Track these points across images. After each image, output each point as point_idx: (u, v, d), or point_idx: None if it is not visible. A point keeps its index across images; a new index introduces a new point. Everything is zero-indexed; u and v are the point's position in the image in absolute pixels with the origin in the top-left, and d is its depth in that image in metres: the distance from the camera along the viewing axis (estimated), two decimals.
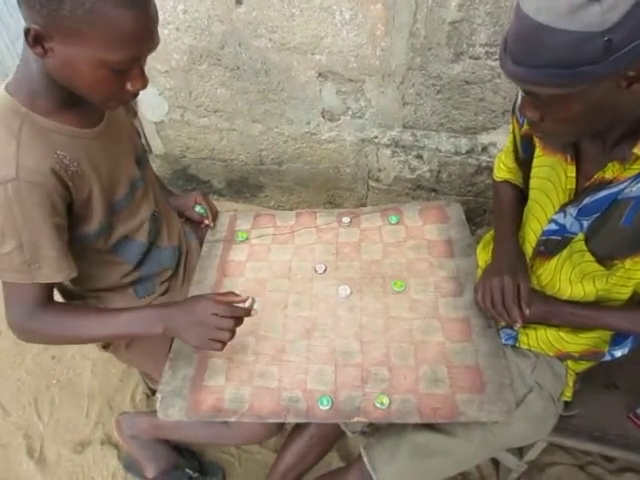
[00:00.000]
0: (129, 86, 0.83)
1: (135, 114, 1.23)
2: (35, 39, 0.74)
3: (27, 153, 0.82)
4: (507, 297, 0.96)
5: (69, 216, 0.92)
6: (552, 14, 0.61)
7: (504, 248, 1.07)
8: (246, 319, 1.11)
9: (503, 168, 1.17)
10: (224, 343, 0.93)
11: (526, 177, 1.03)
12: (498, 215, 1.17)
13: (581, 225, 0.87)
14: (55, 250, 0.88)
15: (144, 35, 0.78)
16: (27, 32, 0.73)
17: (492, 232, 1.25)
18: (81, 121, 0.92)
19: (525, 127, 0.99)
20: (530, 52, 0.65)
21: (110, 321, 0.96)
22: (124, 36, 0.75)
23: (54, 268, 0.89)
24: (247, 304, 0.96)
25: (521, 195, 1.15)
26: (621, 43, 0.59)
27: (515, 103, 1.01)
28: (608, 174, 0.80)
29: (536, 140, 0.95)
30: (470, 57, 1.51)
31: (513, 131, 1.07)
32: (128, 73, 0.82)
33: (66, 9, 0.71)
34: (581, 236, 0.88)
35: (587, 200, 0.85)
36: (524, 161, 1.05)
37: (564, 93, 0.66)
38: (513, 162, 1.13)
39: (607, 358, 1.02)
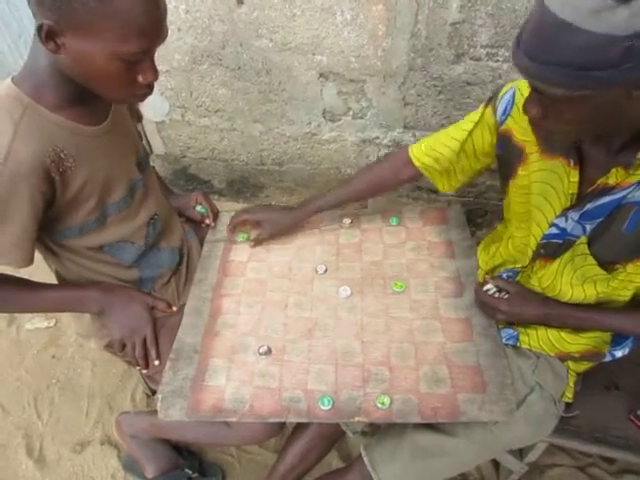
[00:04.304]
0: (140, 78, 0.84)
1: (140, 118, 1.23)
2: (48, 35, 0.75)
3: (22, 143, 0.82)
4: None
5: (52, 208, 0.92)
6: (577, 12, 0.59)
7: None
8: (247, 319, 1.12)
9: (425, 151, 1.12)
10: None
11: (503, 176, 1.02)
12: (352, 181, 1.25)
13: (584, 228, 0.87)
14: (11, 236, 0.87)
15: (155, 26, 0.79)
16: (40, 28, 0.74)
17: (494, 233, 1.25)
18: (85, 118, 0.92)
19: (504, 127, 0.96)
20: (548, 48, 0.63)
21: (46, 295, 1.02)
22: (136, 27, 0.76)
23: (2, 251, 0.89)
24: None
25: (394, 184, 1.23)
26: None
27: (493, 96, 0.99)
28: (611, 180, 0.80)
29: (533, 143, 0.92)
30: (471, 58, 1.52)
31: (478, 121, 1.01)
32: (139, 65, 0.82)
33: (78, 2, 0.71)
34: (584, 239, 0.88)
35: (589, 205, 0.84)
36: (499, 157, 1.02)
37: (573, 95, 0.65)
38: (450, 151, 1.07)
39: (608, 358, 1.02)
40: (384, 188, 1.26)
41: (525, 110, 0.76)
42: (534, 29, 0.65)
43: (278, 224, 1.27)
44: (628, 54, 0.58)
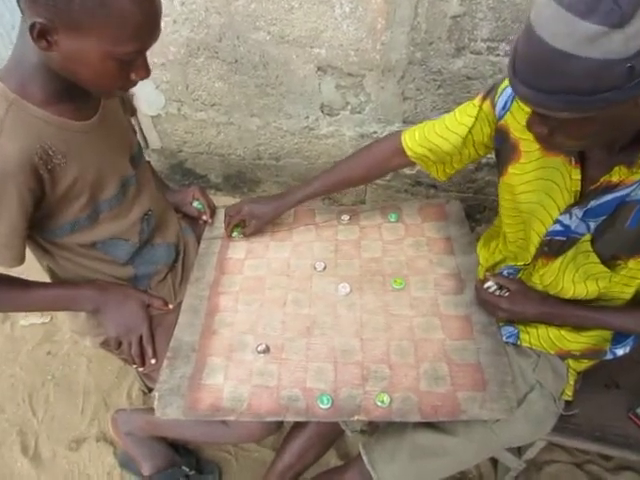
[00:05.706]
0: (133, 76, 0.84)
1: (134, 112, 1.22)
2: (40, 33, 0.73)
3: (7, 140, 0.81)
4: None
5: (42, 206, 0.90)
6: (571, 41, 0.58)
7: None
8: (245, 317, 1.11)
9: (419, 142, 1.09)
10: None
11: (498, 171, 1.01)
12: (340, 168, 1.22)
13: (588, 226, 0.86)
14: (0, 236, 0.86)
15: (151, 27, 0.79)
16: (32, 26, 0.72)
17: (492, 229, 1.24)
18: (74, 113, 0.91)
19: (502, 122, 0.95)
20: (545, 77, 0.62)
21: (40, 294, 1.02)
22: (133, 28, 0.75)
23: None
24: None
25: (383, 172, 1.22)
26: None
27: (491, 89, 0.97)
28: (614, 177, 0.79)
29: (530, 141, 0.90)
30: (471, 52, 1.50)
31: (477, 115, 0.99)
32: (133, 63, 0.82)
33: (76, 3, 0.70)
34: (588, 237, 0.87)
35: (593, 202, 0.83)
36: (496, 150, 1.01)
37: (578, 116, 0.64)
38: (450, 146, 1.05)
39: (609, 356, 1.02)
40: (373, 176, 1.26)
41: (530, 129, 0.75)
42: (528, 58, 0.64)
43: (262, 219, 1.27)
44: (630, 74, 0.57)
